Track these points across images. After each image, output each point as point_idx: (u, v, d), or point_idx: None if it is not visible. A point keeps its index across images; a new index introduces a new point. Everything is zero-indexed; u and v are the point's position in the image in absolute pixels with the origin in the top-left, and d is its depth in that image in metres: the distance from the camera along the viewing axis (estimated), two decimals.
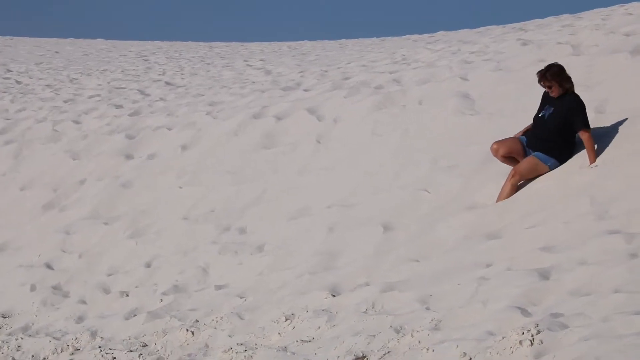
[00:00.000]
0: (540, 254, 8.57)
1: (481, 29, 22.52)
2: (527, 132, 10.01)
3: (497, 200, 9.83)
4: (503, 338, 7.30)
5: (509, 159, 9.97)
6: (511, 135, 10.37)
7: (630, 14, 14.31)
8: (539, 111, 9.81)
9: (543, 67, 9.77)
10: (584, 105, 9.69)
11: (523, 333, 7.20)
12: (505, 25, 21.06)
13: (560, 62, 12.28)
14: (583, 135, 9.56)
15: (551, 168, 9.73)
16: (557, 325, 7.18)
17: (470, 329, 7.76)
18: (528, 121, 11.20)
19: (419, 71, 14.01)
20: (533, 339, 7.13)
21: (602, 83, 11.29)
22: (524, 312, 7.64)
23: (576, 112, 9.56)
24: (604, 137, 10.16)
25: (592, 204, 9.09)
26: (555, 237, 8.78)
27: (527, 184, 9.94)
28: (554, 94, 9.62)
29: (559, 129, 9.61)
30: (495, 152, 9.97)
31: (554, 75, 9.58)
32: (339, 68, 16.82)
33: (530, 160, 9.72)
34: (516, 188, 9.77)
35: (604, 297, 7.33)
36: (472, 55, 14.28)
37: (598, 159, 9.69)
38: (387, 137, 12.32)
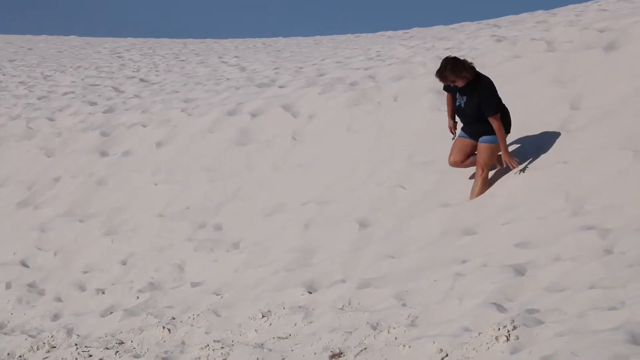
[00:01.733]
0: (515, 250, 8.62)
1: (455, 25, 22.59)
2: (459, 123, 9.93)
3: (472, 197, 9.84)
4: (479, 334, 7.34)
5: (471, 160, 9.94)
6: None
7: (605, 10, 14.39)
8: (454, 100, 9.73)
9: (439, 66, 9.46)
10: (494, 89, 9.51)
11: (499, 329, 7.24)
12: (480, 21, 21.13)
13: (534, 59, 12.36)
14: (494, 123, 9.41)
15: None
16: (532, 321, 7.22)
17: (446, 325, 7.79)
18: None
19: (393, 67, 14.04)
20: (509, 334, 7.17)
21: (576, 79, 11.35)
22: (500, 308, 7.68)
23: (485, 99, 9.41)
24: (578, 132, 10.22)
25: (567, 199, 9.14)
26: (530, 233, 8.83)
27: (501, 180, 9.98)
28: (460, 84, 9.47)
29: (477, 115, 9.52)
30: (456, 164, 9.90)
31: (452, 72, 9.34)
32: (313, 64, 16.83)
33: (485, 149, 9.61)
34: (487, 181, 9.78)
35: (579, 292, 7.38)
36: (446, 51, 14.31)
37: (573, 155, 9.73)
38: (362, 133, 12.34)
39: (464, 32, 16.86)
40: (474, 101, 9.48)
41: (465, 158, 9.84)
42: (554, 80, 11.52)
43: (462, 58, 9.60)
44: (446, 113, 11.95)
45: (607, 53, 11.66)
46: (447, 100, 9.89)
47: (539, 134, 10.54)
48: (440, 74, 9.38)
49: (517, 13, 19.25)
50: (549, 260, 8.21)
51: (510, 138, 10.75)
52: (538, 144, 10.35)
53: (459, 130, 9.99)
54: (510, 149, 10.49)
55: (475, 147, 9.76)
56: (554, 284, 7.79)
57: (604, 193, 8.97)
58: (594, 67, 11.44)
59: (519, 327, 7.17)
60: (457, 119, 9.95)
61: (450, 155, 9.88)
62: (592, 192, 9.08)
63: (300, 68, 16.60)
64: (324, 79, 14.49)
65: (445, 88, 9.77)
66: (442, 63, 9.39)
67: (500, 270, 8.29)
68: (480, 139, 9.65)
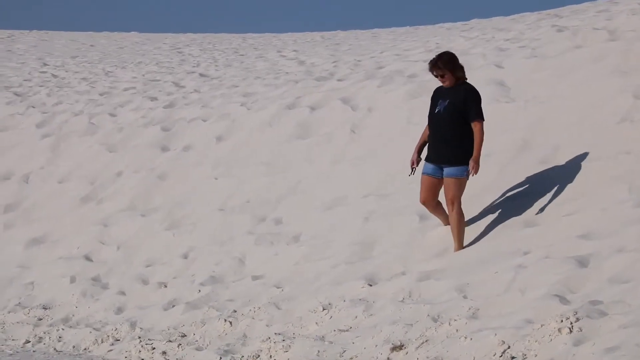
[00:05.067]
0: (578, 242, 8.53)
1: (515, 15, 22.37)
2: (426, 149, 9.37)
3: (456, 240, 9.28)
4: (542, 326, 7.28)
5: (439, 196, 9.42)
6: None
7: None
8: (432, 109, 9.30)
9: (434, 57, 9.27)
10: (480, 96, 9.20)
11: (562, 321, 7.18)
12: (540, 11, 20.91)
13: (596, 49, 12.20)
14: (476, 126, 9.07)
15: (468, 175, 9.17)
16: (596, 313, 7.15)
17: (508, 317, 7.74)
18: (564, 107, 11.13)
19: None
20: (572, 326, 7.10)
21: (639, 69, 11.18)
22: (563, 299, 7.61)
23: (471, 102, 9.10)
24: None
25: (630, 190, 9.02)
26: (593, 224, 8.74)
27: (563, 171, 9.87)
28: (447, 83, 9.17)
29: (455, 120, 9.10)
30: (427, 203, 9.39)
31: (446, 64, 9.10)
32: (372, 57, 16.79)
33: (452, 184, 9.14)
34: (463, 214, 9.26)
35: None
36: (506, 42, 14.19)
37: (636, 145, 9.58)
38: (422, 125, 12.24)
39: (524, 22, 16.70)
40: (456, 103, 9.08)
41: (435, 196, 9.34)
42: (616, 70, 11.37)
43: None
44: (506, 105, 11.81)
45: None
46: (423, 132, 9.48)
47: (601, 124, 10.41)
48: (434, 62, 9.17)
49: (578, 2, 19.00)
50: (612, 252, 8.11)
51: (572, 129, 10.64)
52: (600, 135, 10.23)
53: (422, 164, 9.45)
54: (573, 140, 10.38)
55: (441, 182, 9.27)
56: (617, 276, 7.70)
57: None
58: None
59: (582, 319, 7.11)
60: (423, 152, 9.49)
61: (420, 194, 9.40)
62: None
63: (359, 61, 16.58)
64: (383, 72, 14.46)
65: (432, 96, 9.36)
66: (439, 53, 9.28)
67: (562, 262, 8.21)
68: (445, 173, 9.19)
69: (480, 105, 9.18)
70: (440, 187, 9.33)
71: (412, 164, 9.50)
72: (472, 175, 9.17)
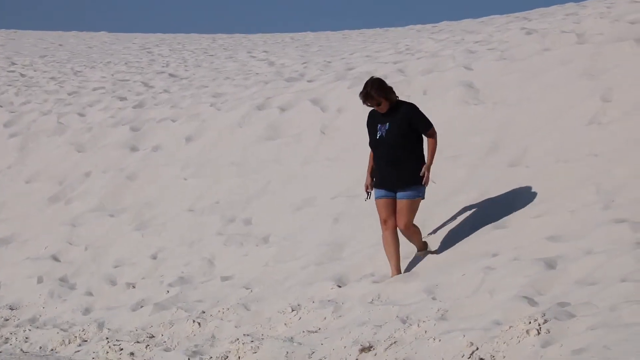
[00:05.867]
0: (546, 244, 8.57)
1: (484, 18, 22.47)
2: (375, 176, 9.17)
3: (416, 240, 9.15)
4: (510, 327, 7.31)
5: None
6: None
7: (636, 1, 14.27)
8: (374, 134, 9.07)
9: (362, 88, 8.98)
10: (419, 108, 9.09)
11: (530, 322, 7.21)
12: (509, 14, 21.02)
13: (565, 52, 12.28)
14: (432, 136, 8.99)
15: (424, 194, 9.06)
16: (564, 315, 7.19)
17: (476, 318, 7.76)
18: (533, 110, 11.19)
19: (422, 61, 14.00)
20: (540, 328, 7.14)
21: (607, 72, 11.26)
22: (531, 301, 7.65)
23: (418, 118, 8.98)
24: (609, 125, 10.15)
25: (598, 192, 9.08)
26: (561, 226, 8.78)
27: (531, 174, 9.92)
28: (383, 109, 8.97)
29: (399, 143, 8.95)
30: (387, 222, 9.08)
31: (378, 91, 8.88)
32: (342, 59, 16.81)
33: (406, 206, 8.98)
34: (419, 230, 9.15)
35: (611, 286, 7.34)
36: (476, 44, 14.25)
37: (604, 148, 9.66)
38: None
39: (494, 25, 16.79)
40: (397, 124, 8.94)
41: (395, 220, 9.07)
42: (584, 73, 11.44)
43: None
44: (475, 106, 11.86)
45: (639, 45, 11.56)
46: (370, 156, 9.26)
47: (569, 127, 10.47)
48: (366, 93, 8.90)
49: (547, 5, 19.13)
50: (580, 254, 8.16)
51: (540, 131, 10.70)
52: (569, 137, 10.29)
53: (369, 181, 9.26)
54: (542, 142, 10.43)
55: (395, 204, 9.05)
56: (585, 278, 7.74)
57: (635, 186, 8.90)
58: (625, 59, 11.35)
59: (550, 321, 7.14)
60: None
61: (380, 215, 9.12)
62: (623, 185, 9.02)
63: (329, 62, 16.59)
64: (353, 73, 14.48)
65: (368, 121, 9.14)
66: (367, 82, 8.96)
67: (531, 264, 8.25)
68: (399, 196, 9.01)
69: (424, 115, 9.05)
70: (394, 209, 9.05)
71: (367, 188, 9.28)
72: (426, 184, 9.00)
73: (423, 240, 9.41)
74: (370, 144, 9.19)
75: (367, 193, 9.32)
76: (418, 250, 9.36)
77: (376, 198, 9.19)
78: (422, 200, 9.14)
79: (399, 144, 8.97)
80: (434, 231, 9.73)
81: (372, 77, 9.10)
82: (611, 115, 10.30)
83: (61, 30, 36.17)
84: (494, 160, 10.53)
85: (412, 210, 9.03)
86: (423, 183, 9.03)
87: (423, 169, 9.01)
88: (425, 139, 9.13)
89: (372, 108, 9.12)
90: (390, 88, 9.03)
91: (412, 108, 9.06)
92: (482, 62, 13.04)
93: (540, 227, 8.90)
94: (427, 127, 9.05)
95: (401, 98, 12.86)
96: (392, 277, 9.14)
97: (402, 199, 9.03)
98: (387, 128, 9.01)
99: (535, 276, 8.03)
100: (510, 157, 10.41)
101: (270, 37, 29.26)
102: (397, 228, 9.13)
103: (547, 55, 12.38)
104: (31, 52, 25.98)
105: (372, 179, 9.28)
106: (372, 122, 9.14)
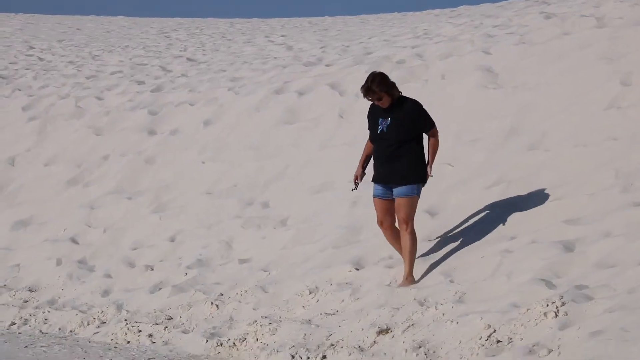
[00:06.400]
0: (564, 227, 8.56)
1: (503, 2, 22.37)
2: (375, 171, 8.97)
3: (406, 261, 8.83)
4: (527, 310, 7.32)
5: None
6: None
7: None
8: (374, 128, 8.89)
9: (363, 82, 8.81)
10: (423, 106, 8.88)
11: (547, 305, 7.21)
12: None
13: (584, 35, 12.23)
14: (434, 135, 8.84)
15: (419, 193, 8.85)
16: (581, 297, 7.18)
17: (494, 301, 7.77)
18: (552, 94, 11.15)
19: (441, 45, 13.96)
20: (558, 310, 7.14)
21: (626, 55, 11.21)
22: (549, 284, 7.65)
23: (421, 116, 8.80)
24: (629, 109, 10.11)
25: (617, 176, 9.06)
26: (579, 209, 8.77)
27: (550, 158, 9.89)
28: (385, 104, 8.78)
29: (401, 138, 8.76)
30: (383, 225, 8.95)
31: (380, 86, 8.69)
32: (360, 43, 16.78)
33: (404, 203, 8.77)
34: (415, 234, 8.84)
35: (629, 268, 7.33)
36: (494, 29, 14.20)
37: (623, 132, 9.62)
38: None
39: (512, 9, 16.72)
40: (402, 121, 8.74)
41: (392, 218, 8.90)
42: (603, 57, 11.40)
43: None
44: (494, 91, 11.82)
45: None
46: (366, 146, 9.12)
47: (588, 111, 10.44)
48: (367, 87, 8.73)
49: None
50: (598, 237, 8.15)
51: (559, 115, 10.67)
52: (588, 121, 10.26)
53: (360, 171, 9.12)
54: (560, 126, 10.40)
55: (393, 204, 8.89)
56: (603, 260, 7.73)
57: None
58: None
59: (567, 303, 7.14)
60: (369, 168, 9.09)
61: (377, 216, 8.98)
62: None
63: (347, 47, 16.57)
64: (371, 58, 14.45)
65: (369, 114, 8.98)
66: (368, 77, 8.78)
67: (549, 247, 8.25)
68: (395, 193, 8.83)
69: (428, 114, 8.88)
70: (392, 209, 8.91)
71: (356, 178, 9.16)
72: (429, 177, 8.83)
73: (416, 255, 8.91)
74: (370, 138, 9.02)
75: (356, 184, 9.16)
76: (403, 279, 8.83)
77: (373, 195, 9.02)
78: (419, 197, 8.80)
79: (400, 140, 8.77)
80: (452, 214, 9.72)
81: (374, 71, 8.92)
82: (630, 99, 10.25)
83: (79, 15, 36.24)
84: (513, 144, 10.51)
85: (410, 206, 8.78)
86: (422, 179, 8.80)
87: (427, 169, 8.79)
88: (425, 137, 8.93)
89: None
90: (393, 83, 8.79)
91: (416, 105, 8.85)
92: (501, 46, 13.00)
93: (558, 210, 8.89)
94: (429, 126, 8.86)
95: (418, 83, 12.93)
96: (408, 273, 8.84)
97: (400, 197, 8.81)
98: (388, 123, 8.81)
99: (553, 259, 8.02)
100: (528, 141, 10.39)
101: (288, 22, 29.24)
102: (398, 227, 8.84)
103: (566, 39, 12.33)
104: (49, 36, 26.05)
105: (363, 170, 9.14)
106: (374, 115, 8.95)
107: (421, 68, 13.16)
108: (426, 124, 8.86)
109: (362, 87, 8.81)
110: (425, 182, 8.91)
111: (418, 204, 8.90)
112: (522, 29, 13.46)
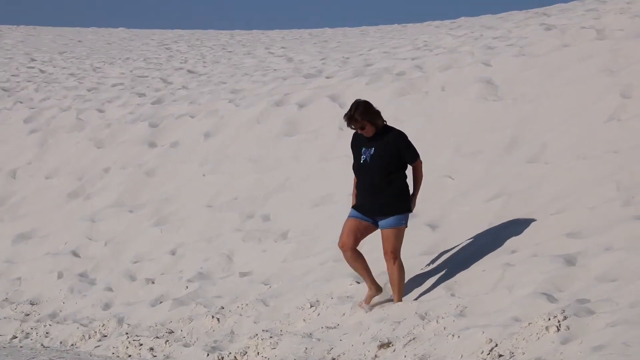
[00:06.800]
0: (566, 240, 8.55)
1: (503, 14, 22.43)
2: (358, 201, 8.75)
3: (395, 296, 8.68)
4: (529, 324, 7.31)
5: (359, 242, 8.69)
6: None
7: None
8: (358, 159, 8.66)
9: (347, 110, 8.56)
10: (407, 137, 8.66)
11: (549, 319, 7.20)
12: (528, 10, 20.97)
13: (584, 47, 12.24)
14: (418, 166, 8.65)
15: (406, 223, 8.65)
16: (583, 311, 7.18)
17: (495, 315, 7.76)
18: (552, 106, 11.16)
19: (441, 57, 13.98)
20: (559, 324, 7.13)
21: (627, 68, 11.22)
22: (550, 298, 7.64)
23: (405, 147, 8.58)
24: (629, 121, 10.11)
25: (618, 189, 9.05)
26: (581, 223, 8.76)
27: (550, 171, 9.89)
28: (368, 133, 8.54)
29: (384, 169, 8.53)
30: (345, 248, 8.68)
31: (363, 115, 8.44)
32: (360, 55, 16.80)
33: (391, 234, 8.57)
34: (403, 267, 8.67)
35: (631, 282, 7.32)
36: (494, 40, 14.22)
37: (624, 144, 9.62)
38: (409, 123, 12.29)
39: (512, 20, 16.75)
40: (385, 151, 8.52)
41: (355, 241, 8.65)
42: (604, 69, 11.41)
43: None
44: (494, 103, 11.81)
45: None
46: (354, 183, 8.86)
47: (588, 123, 10.44)
48: (350, 116, 8.47)
49: (566, 1, 19.07)
50: (600, 250, 8.14)
51: (560, 127, 10.67)
52: (588, 133, 10.26)
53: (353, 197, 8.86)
54: (561, 139, 10.40)
55: (368, 228, 8.67)
56: (605, 274, 7.73)
57: None
58: None
59: (569, 317, 7.13)
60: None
61: (340, 237, 8.70)
62: None
63: (347, 58, 16.59)
64: (371, 69, 14.47)
65: (352, 143, 8.74)
66: (352, 105, 8.54)
67: (550, 260, 8.24)
68: (382, 225, 8.62)
69: (413, 145, 8.69)
70: (366, 233, 8.68)
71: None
72: (409, 210, 8.62)
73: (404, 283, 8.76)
74: (354, 167, 8.79)
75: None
76: (396, 301, 8.68)
77: (349, 217, 8.77)
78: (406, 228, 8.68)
79: (383, 171, 8.54)
80: (453, 228, 9.72)
81: (358, 99, 8.63)
82: (631, 111, 10.26)
83: (80, 27, 36.30)
84: (513, 156, 10.51)
85: (397, 237, 8.59)
86: (408, 209, 8.64)
87: (412, 199, 8.64)
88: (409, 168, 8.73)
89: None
90: (378, 112, 8.54)
91: (400, 136, 8.62)
92: (500, 58, 13.01)
93: (559, 224, 8.88)
94: (413, 158, 8.64)
95: (418, 95, 12.93)
96: (369, 294, 8.74)
97: (386, 228, 8.60)
98: (371, 153, 8.58)
99: (554, 272, 8.02)
100: (529, 153, 10.39)
101: (288, 34, 29.29)
102: (385, 258, 8.66)
103: (567, 51, 12.35)
104: (50, 49, 26.09)
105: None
106: (357, 144, 8.70)
107: (421, 80, 13.18)
108: (411, 155, 8.63)
109: (345, 115, 8.57)
110: (411, 212, 8.70)
111: (414, 219, 8.68)
112: (522, 41, 13.48)
